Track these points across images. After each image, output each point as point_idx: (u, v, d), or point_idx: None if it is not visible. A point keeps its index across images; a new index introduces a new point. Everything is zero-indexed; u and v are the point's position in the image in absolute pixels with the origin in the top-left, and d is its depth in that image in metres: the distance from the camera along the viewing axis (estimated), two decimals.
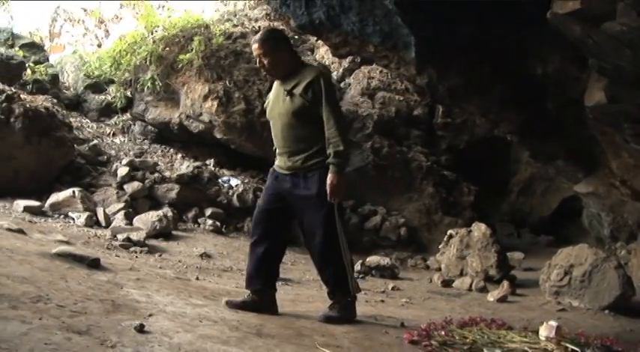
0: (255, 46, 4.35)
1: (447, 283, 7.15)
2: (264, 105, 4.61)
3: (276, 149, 4.43)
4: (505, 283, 6.61)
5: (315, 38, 9.68)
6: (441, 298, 6.36)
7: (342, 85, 11.28)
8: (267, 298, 4.27)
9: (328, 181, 4.06)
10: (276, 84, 4.45)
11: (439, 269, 7.82)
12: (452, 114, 11.37)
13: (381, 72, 10.98)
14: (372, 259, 7.54)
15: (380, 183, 9.92)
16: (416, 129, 11.17)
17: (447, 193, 10.25)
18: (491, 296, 6.37)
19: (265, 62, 4.30)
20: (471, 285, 6.94)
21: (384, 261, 7.54)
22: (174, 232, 7.51)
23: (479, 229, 7.54)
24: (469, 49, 6.76)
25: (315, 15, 7.07)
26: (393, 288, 6.53)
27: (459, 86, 7.41)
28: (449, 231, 8.01)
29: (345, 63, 11.39)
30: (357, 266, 7.25)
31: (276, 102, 4.36)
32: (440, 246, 8.00)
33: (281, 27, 10.17)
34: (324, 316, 4.18)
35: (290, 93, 4.22)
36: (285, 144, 4.32)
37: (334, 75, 11.27)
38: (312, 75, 4.19)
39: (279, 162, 4.37)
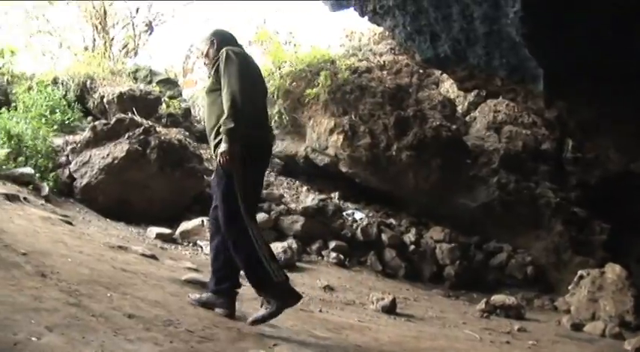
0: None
1: (577, 327, 6.81)
2: None
3: None
4: None
5: (440, 72, 9.63)
6: (570, 342, 6.06)
7: (467, 118, 11.11)
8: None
9: (219, 150, 4.01)
10: None
11: (568, 312, 7.46)
12: (583, 149, 10.90)
13: (507, 105, 10.71)
14: (497, 298, 7.31)
15: (506, 219, 9.63)
16: (544, 164, 10.78)
17: (577, 231, 9.78)
18: (629, 344, 5.97)
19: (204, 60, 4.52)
20: (604, 331, 6.57)
21: (510, 300, 7.30)
22: (298, 264, 7.61)
23: (613, 270, 7.15)
24: (601, 80, 6.46)
25: (441, 49, 7.02)
26: (519, 329, 6.30)
27: (590, 119, 7.09)
28: (579, 272, 7.66)
29: (471, 97, 11.20)
30: (481, 305, 7.05)
31: None
32: (569, 287, 7.67)
33: (406, 61, 10.26)
34: (253, 320, 3.99)
35: (210, 74, 4.34)
36: (207, 125, 4.38)
37: (459, 109, 11.11)
38: (219, 53, 4.21)
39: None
